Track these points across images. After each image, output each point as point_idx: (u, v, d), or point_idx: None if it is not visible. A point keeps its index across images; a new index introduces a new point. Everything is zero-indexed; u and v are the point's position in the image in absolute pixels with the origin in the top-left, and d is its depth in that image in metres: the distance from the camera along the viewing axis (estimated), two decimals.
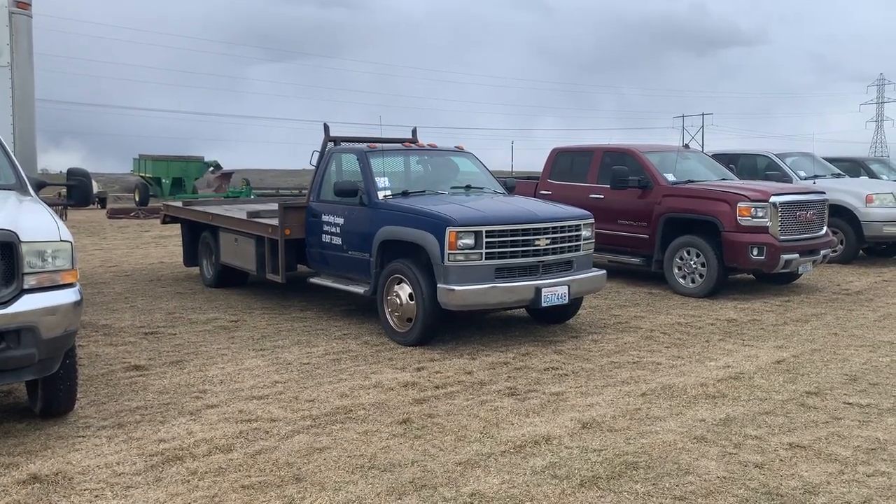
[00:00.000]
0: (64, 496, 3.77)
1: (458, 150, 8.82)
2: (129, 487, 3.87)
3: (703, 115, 75.46)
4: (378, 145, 8.22)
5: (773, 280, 10.56)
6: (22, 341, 4.23)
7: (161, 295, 9.61)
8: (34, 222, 4.53)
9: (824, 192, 10.53)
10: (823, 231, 10.11)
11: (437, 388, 5.64)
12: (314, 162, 8.60)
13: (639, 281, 10.73)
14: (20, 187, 5.54)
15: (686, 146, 12.38)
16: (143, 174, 34.53)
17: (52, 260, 4.42)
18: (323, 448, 4.42)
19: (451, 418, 4.95)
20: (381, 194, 7.47)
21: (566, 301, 7.01)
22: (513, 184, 8.91)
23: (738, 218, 9.25)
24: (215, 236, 9.84)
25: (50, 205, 5.30)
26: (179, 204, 11.50)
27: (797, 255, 9.43)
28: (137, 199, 32.21)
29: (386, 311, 7.15)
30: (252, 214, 9.14)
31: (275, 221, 8.39)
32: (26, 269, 4.31)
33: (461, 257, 6.52)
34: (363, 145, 8.24)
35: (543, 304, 6.80)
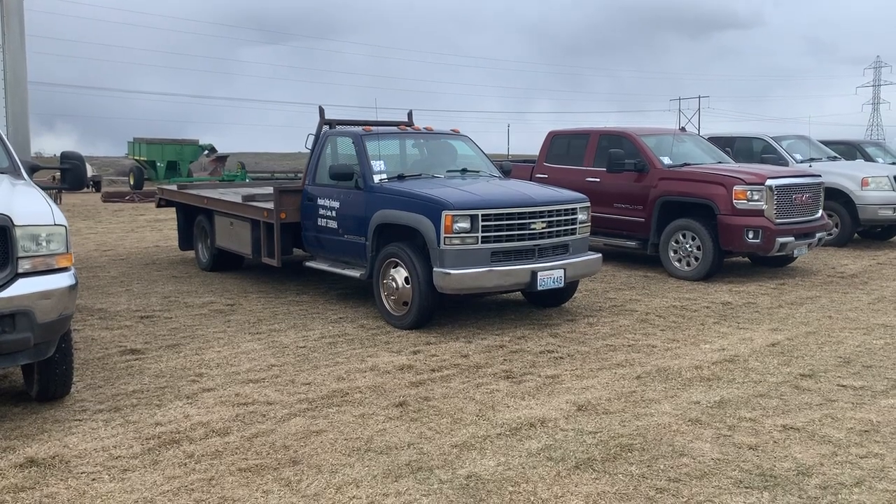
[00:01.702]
0: (61, 479, 3.78)
1: (454, 134, 8.80)
2: (126, 470, 3.88)
3: (699, 97, 75.29)
4: (374, 128, 8.19)
5: (768, 263, 10.58)
6: (17, 325, 4.22)
7: (156, 279, 9.60)
8: (28, 206, 4.51)
9: (820, 176, 10.53)
10: (819, 214, 10.12)
11: (433, 371, 5.65)
12: (309, 145, 8.57)
13: (634, 264, 10.74)
14: (13, 171, 5.52)
15: (682, 129, 12.35)
16: (137, 157, 34.41)
17: (47, 244, 4.40)
18: (319, 431, 4.43)
19: (447, 401, 4.97)
20: (376, 178, 7.45)
21: (562, 284, 7.02)
22: (509, 167, 8.89)
23: (734, 201, 9.26)
24: (210, 220, 9.81)
25: (44, 188, 5.27)
26: (174, 187, 11.46)
27: (792, 238, 9.45)
28: (132, 182, 32.10)
29: (382, 294, 7.15)
30: (247, 198, 9.11)
31: (270, 205, 8.37)
32: (21, 254, 4.30)
33: (457, 241, 6.51)
34: (359, 128, 8.21)
35: (539, 288, 6.81)
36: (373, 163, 7.56)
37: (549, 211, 6.96)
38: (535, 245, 6.88)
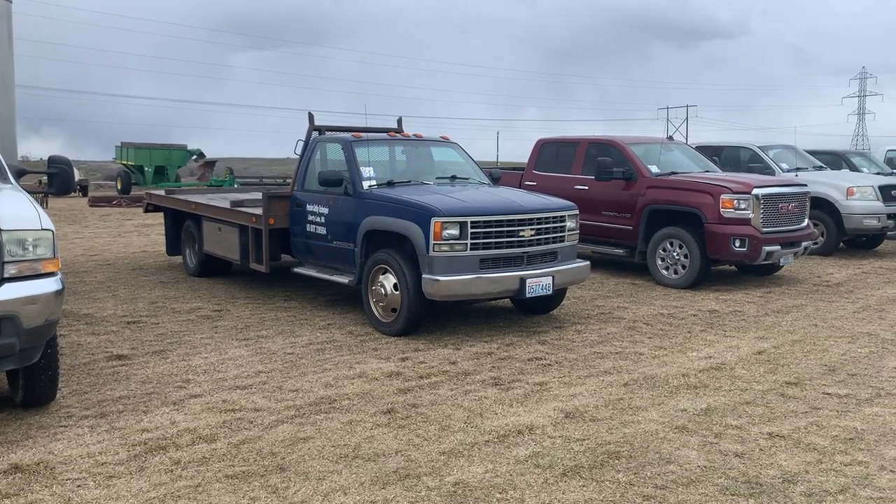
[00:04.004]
0: (46, 486, 3.75)
1: (444, 141, 8.82)
2: (111, 477, 3.85)
3: (687, 106, 75.70)
4: (363, 135, 8.19)
5: (754, 271, 10.65)
6: (3, 331, 4.19)
7: (144, 284, 9.55)
8: (15, 211, 4.49)
9: (806, 185, 10.62)
10: (805, 223, 10.21)
11: (421, 378, 5.65)
12: (298, 151, 8.56)
13: (622, 272, 10.79)
14: (0, 175, 5.48)
15: (670, 138, 12.44)
16: (125, 162, 34.20)
17: (33, 249, 4.37)
18: (307, 438, 4.42)
19: (435, 408, 4.97)
20: (365, 184, 7.45)
21: (550, 292, 7.03)
22: (498, 174, 8.92)
23: (721, 210, 9.32)
24: (198, 225, 9.78)
25: (30, 193, 5.24)
26: (162, 192, 11.42)
27: (779, 247, 9.52)
28: (120, 187, 31.90)
29: (370, 301, 7.15)
30: (236, 203, 9.09)
31: (259, 211, 8.35)
32: (7, 258, 4.27)
33: (446, 248, 6.52)
34: (348, 135, 8.21)
35: (528, 295, 6.82)
36: (362, 169, 7.56)
37: (537, 218, 6.98)
38: (523, 252, 6.90)
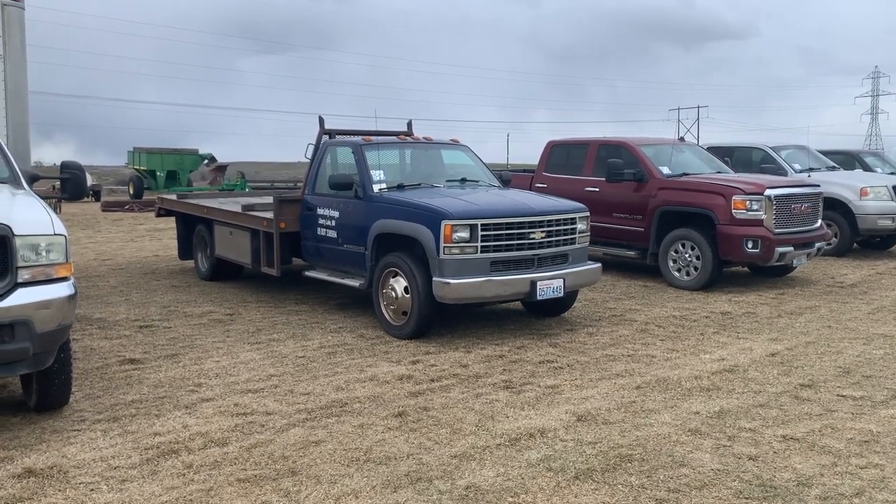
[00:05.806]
0: (59, 490, 3.77)
1: (454, 143, 8.82)
2: (124, 481, 3.87)
3: (698, 107, 75.28)
4: (373, 138, 8.21)
5: (767, 273, 10.58)
6: (16, 335, 4.22)
7: (156, 288, 9.59)
8: (28, 216, 4.52)
9: (819, 185, 10.56)
10: (818, 224, 10.14)
11: (432, 381, 5.64)
12: (309, 155, 8.59)
13: (634, 274, 10.75)
14: (13, 180, 5.52)
15: (681, 139, 12.39)
16: (137, 167, 34.45)
17: (46, 254, 4.40)
18: (318, 441, 4.42)
19: (447, 411, 4.96)
20: (376, 187, 7.46)
21: (561, 294, 7.01)
22: (508, 177, 8.91)
23: (733, 211, 9.27)
24: (210, 229, 9.82)
25: (44, 198, 5.27)
26: (174, 197, 11.48)
27: (792, 248, 9.46)
28: (132, 191, 32.09)
29: (381, 304, 7.15)
30: (247, 207, 9.12)
31: (270, 215, 8.38)
32: (20, 263, 4.30)
33: (456, 251, 6.51)
34: (358, 138, 8.23)
35: (539, 298, 6.81)
36: (372, 172, 7.57)
37: (548, 220, 6.96)
38: (534, 255, 6.88)
